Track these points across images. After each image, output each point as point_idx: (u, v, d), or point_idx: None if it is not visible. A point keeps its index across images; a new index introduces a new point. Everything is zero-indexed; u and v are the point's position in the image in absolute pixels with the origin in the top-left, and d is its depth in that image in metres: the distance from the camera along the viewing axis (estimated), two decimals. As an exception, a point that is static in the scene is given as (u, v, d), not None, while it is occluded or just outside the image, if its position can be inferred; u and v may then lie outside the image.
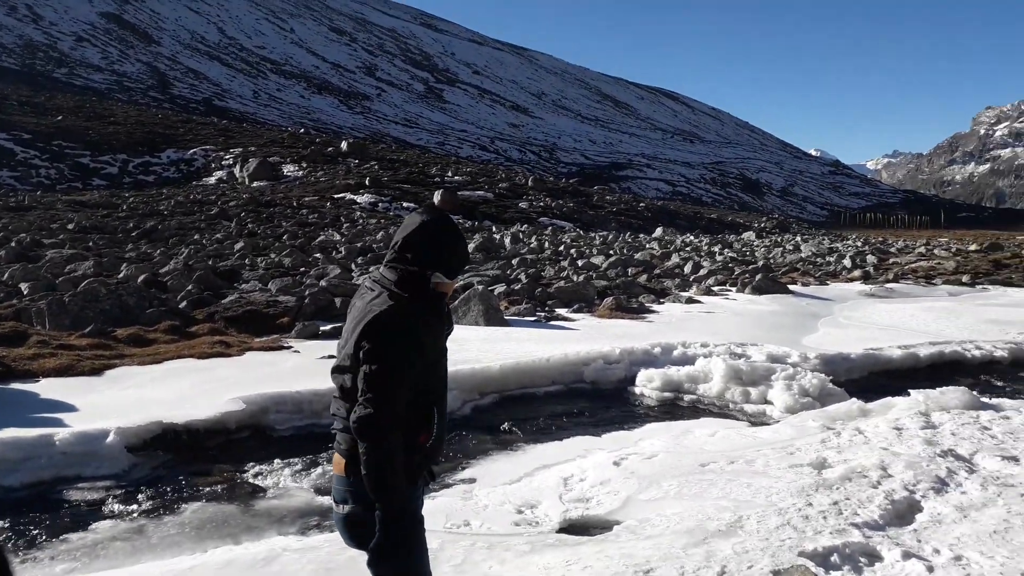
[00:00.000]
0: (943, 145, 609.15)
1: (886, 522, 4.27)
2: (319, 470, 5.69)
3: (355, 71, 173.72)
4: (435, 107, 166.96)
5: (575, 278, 15.45)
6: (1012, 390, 8.20)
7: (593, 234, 32.59)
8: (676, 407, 7.78)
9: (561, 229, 34.58)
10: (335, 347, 8.08)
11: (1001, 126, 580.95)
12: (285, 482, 5.41)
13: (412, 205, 37.69)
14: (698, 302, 13.54)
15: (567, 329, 10.86)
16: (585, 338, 9.93)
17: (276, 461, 5.82)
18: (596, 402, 7.93)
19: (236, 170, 47.67)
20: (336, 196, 37.69)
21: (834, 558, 3.82)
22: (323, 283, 14.56)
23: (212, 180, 47.22)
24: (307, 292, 13.07)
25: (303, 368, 8.01)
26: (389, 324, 2.22)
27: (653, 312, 12.45)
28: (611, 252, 22.02)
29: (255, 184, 43.43)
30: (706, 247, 26.84)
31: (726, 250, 25.66)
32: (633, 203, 56.21)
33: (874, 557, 3.82)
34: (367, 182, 40.72)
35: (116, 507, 4.92)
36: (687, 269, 18.38)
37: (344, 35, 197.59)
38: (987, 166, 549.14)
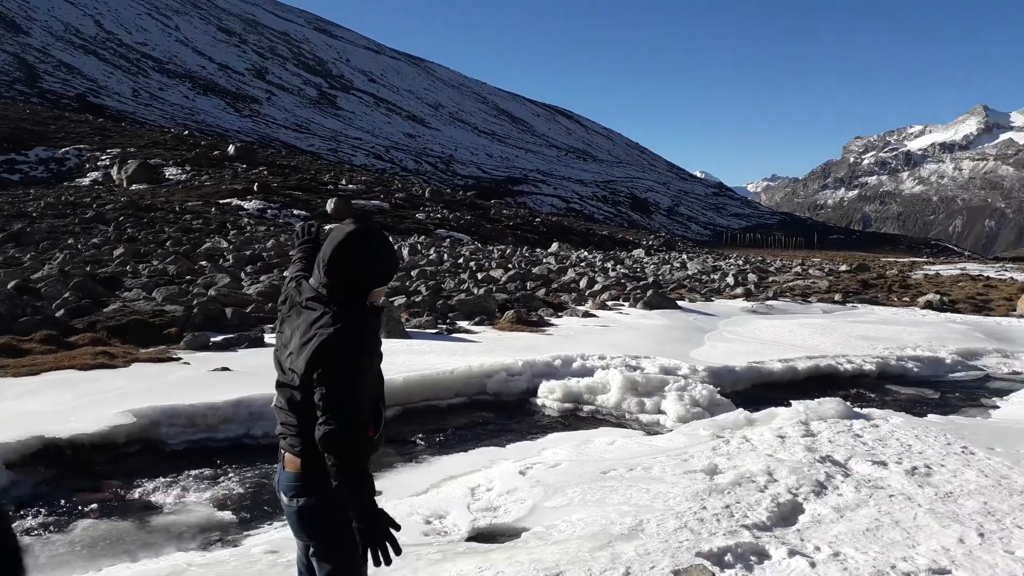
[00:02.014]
0: (817, 171, 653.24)
1: (773, 523, 4.58)
2: (217, 485, 5.52)
3: (244, 73, 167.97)
4: (328, 113, 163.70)
5: (476, 291, 15.59)
6: (880, 401, 8.92)
7: (491, 247, 32.87)
8: (576, 417, 8.01)
9: (459, 242, 34.68)
10: (228, 359, 7.82)
11: (869, 155, 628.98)
12: (182, 497, 5.22)
13: (303, 213, 36.79)
14: (594, 316, 13.95)
15: (469, 342, 10.95)
16: (487, 350, 10.05)
17: (170, 476, 5.61)
18: (500, 413, 8.06)
19: (113, 172, 44.99)
20: (222, 201, 36.30)
21: (728, 557, 4.07)
22: (212, 292, 14.04)
23: (86, 181, 44.40)
24: (195, 301, 12.57)
25: (195, 380, 7.72)
26: (341, 347, 2.27)
27: (552, 325, 12.74)
28: (510, 266, 22.32)
29: (134, 187, 41.15)
30: (600, 263, 27.63)
31: (618, 266, 26.51)
32: (529, 218, 57.07)
33: (763, 556, 4.10)
34: (255, 188, 39.45)
35: (-4, 528, 4.60)
36: (583, 284, 18.88)
37: (233, 36, 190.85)
38: (856, 192, 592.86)
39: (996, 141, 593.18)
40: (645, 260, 32.65)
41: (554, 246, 37.32)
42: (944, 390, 9.67)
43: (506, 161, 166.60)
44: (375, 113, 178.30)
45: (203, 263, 19.08)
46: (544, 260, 26.72)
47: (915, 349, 11.61)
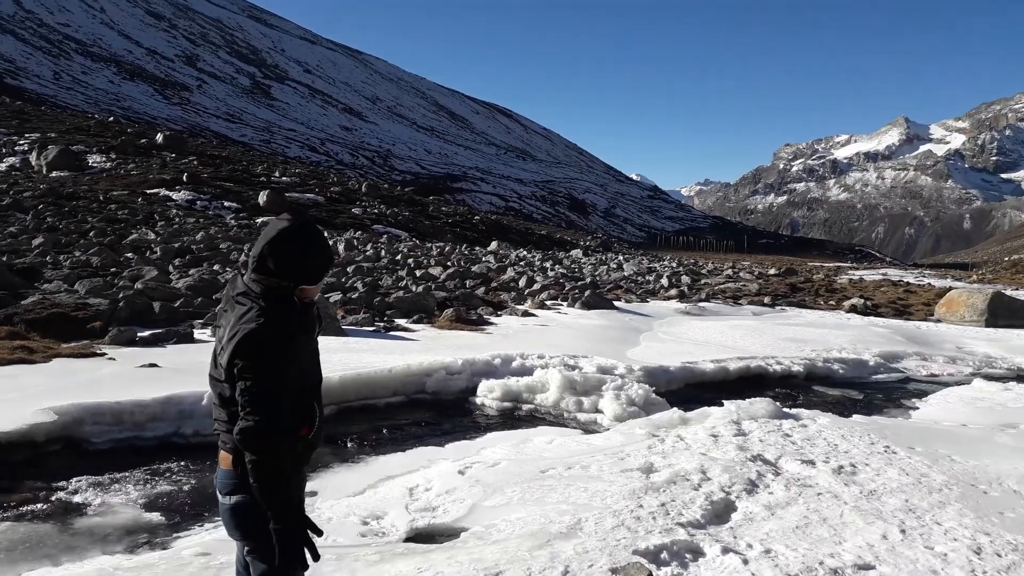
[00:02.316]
0: (748, 176, 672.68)
1: (707, 521, 4.68)
2: (145, 485, 5.33)
3: (173, 59, 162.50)
4: (262, 103, 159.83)
5: (414, 288, 15.45)
6: (807, 401, 9.23)
7: (430, 244, 32.66)
8: (515, 416, 8.03)
9: (397, 238, 34.34)
10: (157, 355, 7.58)
11: (797, 162, 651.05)
12: (107, 499, 5.00)
13: (235, 205, 35.83)
14: (533, 315, 14.02)
15: (408, 340, 10.85)
16: (426, 349, 9.98)
17: (95, 476, 5.38)
18: (438, 412, 8.01)
19: (32, 157, 42.84)
20: (149, 192, 35.02)
21: (664, 555, 4.14)
22: (139, 285, 13.56)
23: (2, 167, 42.10)
24: (121, 295, 12.10)
25: (121, 377, 7.42)
26: (261, 342, 2.25)
27: (492, 324, 12.74)
28: (449, 264, 22.20)
29: (55, 174, 39.28)
30: (539, 262, 27.77)
31: (557, 266, 26.70)
32: (468, 216, 56.96)
33: (698, 553, 4.18)
34: (185, 178, 38.21)
35: (-99, 532, 4.33)
36: (522, 283, 18.94)
37: (162, 20, 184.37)
38: (784, 198, 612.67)
39: (916, 152, 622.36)
40: (583, 261, 32.97)
41: (493, 244, 37.34)
42: (868, 391, 10.07)
43: (445, 158, 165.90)
44: (310, 105, 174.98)
45: (129, 255, 18.37)
46: (483, 259, 26.70)
47: (840, 351, 12.05)
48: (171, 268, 16.89)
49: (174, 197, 34.81)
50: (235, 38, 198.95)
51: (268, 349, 2.25)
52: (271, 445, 2.22)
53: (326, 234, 2.46)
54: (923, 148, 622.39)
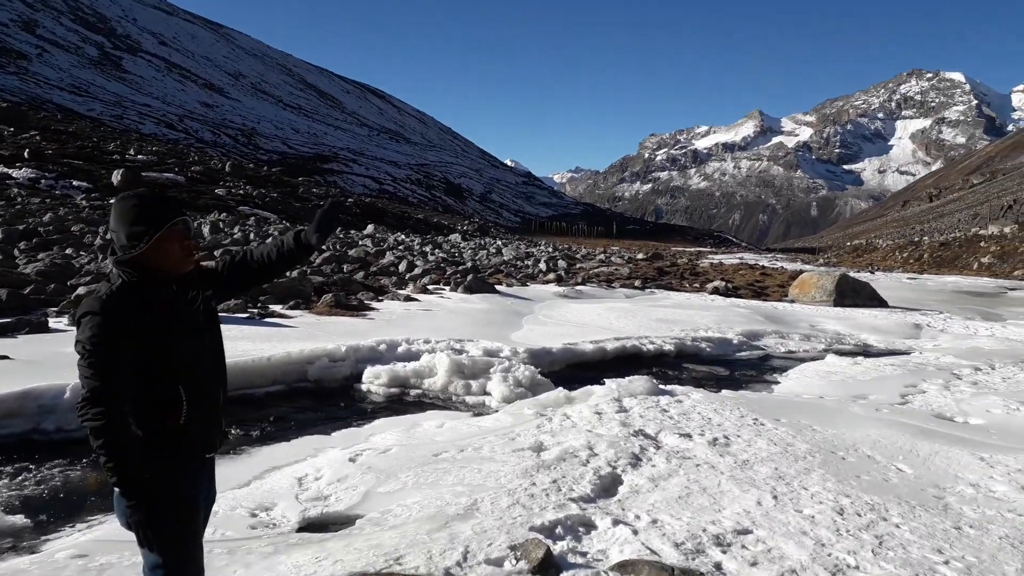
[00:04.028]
0: (616, 165, 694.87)
1: (596, 495, 4.86)
2: (5, 485, 4.90)
3: (8, 24, 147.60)
4: (112, 76, 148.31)
5: (288, 273, 14.93)
6: (680, 378, 9.71)
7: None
8: (403, 402, 7.98)
9: (266, 220, 33.00)
10: (7, 346, 6.98)
11: (662, 151, 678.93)
12: (-44, 503, 4.57)
13: (84, 184, 33.23)
14: (416, 300, 13.92)
15: (285, 326, 10.51)
16: (306, 336, 9.70)
17: (-60, 480, 4.89)
18: (322, 401, 7.83)
19: None
20: (-15, 168, 31.89)
21: (559, 530, 4.26)
22: (-20, 271, 12.34)
23: None
24: (-41, 281, 11.00)
25: (-34, 371, 6.76)
26: (88, 314, 2.24)
27: (374, 309, 12.54)
28: (324, 248, 21.59)
29: None
30: (418, 247, 27.55)
31: (437, 251, 26.60)
32: (342, 198, 55.55)
33: (590, 526, 4.34)
34: (26, 155, 35.03)
35: None
36: (402, 268, 18.74)
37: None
38: (649, 186, 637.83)
39: (769, 143, 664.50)
40: (462, 245, 33.03)
41: (370, 228, 36.67)
42: (733, 368, 10.73)
43: (314, 137, 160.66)
44: (167, 79, 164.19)
45: (-36, 238, 16.66)
46: (360, 242, 26.18)
47: (707, 331, 12.75)
48: (16, 252, 15.49)
49: (14, 175, 31.82)
50: (80, 5, 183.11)
51: (93, 321, 2.21)
52: (95, 416, 2.18)
53: (163, 199, 2.34)
54: (775, 140, 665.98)
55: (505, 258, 26.79)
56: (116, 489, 2.27)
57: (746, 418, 6.76)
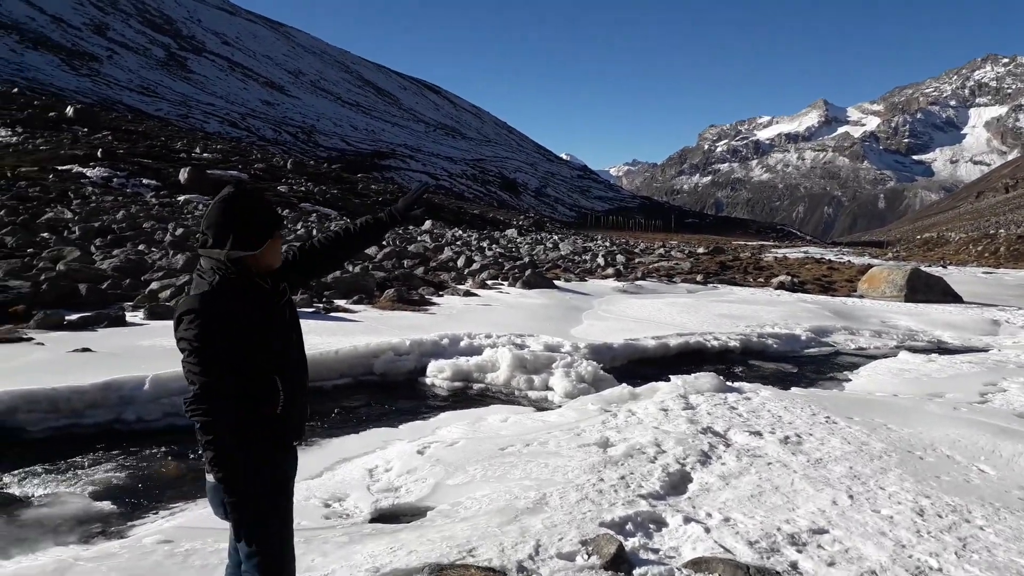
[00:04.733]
0: (674, 157, 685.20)
1: (666, 492, 4.81)
2: (91, 473, 5.12)
3: (81, 28, 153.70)
4: (178, 76, 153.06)
5: (352, 268, 15.20)
6: (746, 375, 9.54)
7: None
8: (467, 395, 8.04)
9: (327, 217, 33.65)
10: (88, 339, 7.27)
11: (722, 143, 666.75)
12: (52, 488, 4.79)
13: (154, 182, 34.44)
14: (475, 295, 14.01)
15: (350, 321, 10.69)
16: (370, 330, 9.85)
17: (36, 465, 5.14)
18: (388, 394, 7.95)
19: (-69, 130, 40.16)
20: (61, 168, 33.30)
21: (629, 526, 4.23)
22: (61, 267, 12.92)
23: None
24: (43, 276, 11.53)
25: (53, 362, 7.08)
26: (189, 312, 2.28)
27: (434, 304, 12.67)
28: (384, 243, 21.93)
29: (-43, 149, 36.93)
30: (475, 242, 27.71)
31: (494, 246, 26.71)
32: (399, 194, 56.26)
33: (661, 523, 4.30)
34: (99, 154, 36.45)
35: None
36: (460, 263, 18.88)
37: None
38: (709, 178, 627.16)
39: (834, 134, 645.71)
40: (519, 240, 33.09)
41: (427, 224, 37.03)
42: (801, 364, 10.48)
43: (372, 134, 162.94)
44: (230, 78, 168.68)
45: (45, 235, 17.44)
46: (419, 238, 26.47)
47: (773, 327, 12.49)
48: (93, 248, 16.14)
49: (88, 174, 33.20)
50: (147, 7, 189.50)
51: (196, 320, 2.26)
52: (206, 413, 2.23)
53: (263, 199, 2.44)
54: (841, 130, 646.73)
55: (562, 253, 26.73)
56: (213, 480, 2.32)
57: (818, 416, 6.59)
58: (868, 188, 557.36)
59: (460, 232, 34.85)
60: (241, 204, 2.39)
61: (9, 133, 41.95)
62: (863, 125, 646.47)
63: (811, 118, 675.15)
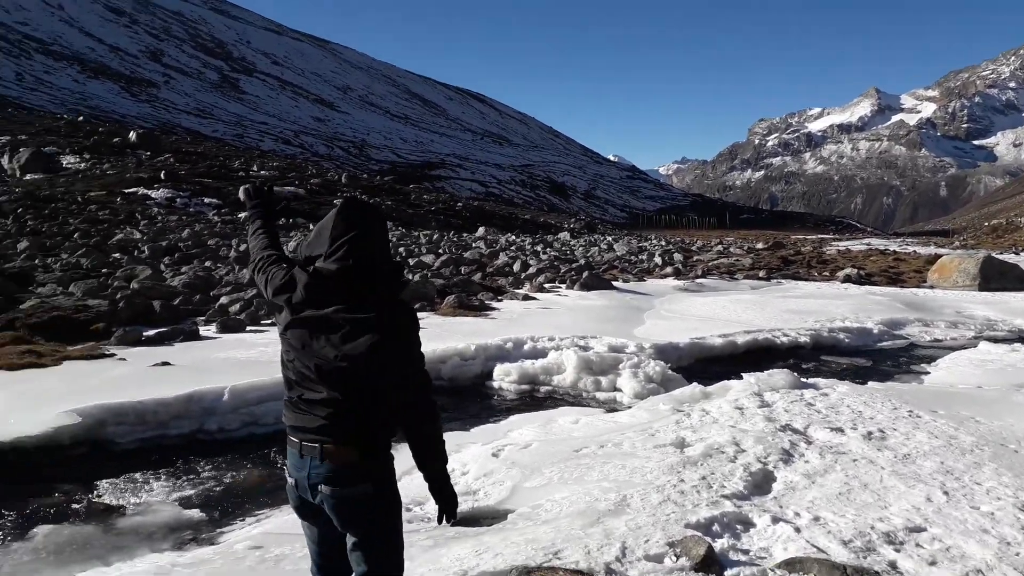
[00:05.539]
0: (724, 153, 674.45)
1: (750, 492, 4.70)
2: (178, 483, 5.27)
3: (138, 55, 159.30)
4: (231, 97, 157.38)
5: (411, 277, 15.36)
6: (819, 370, 9.30)
7: (416, 233, 32.49)
8: (534, 398, 8.04)
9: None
10: (167, 353, 7.44)
11: (772, 137, 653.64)
12: (143, 498, 4.95)
13: (215, 201, 35.44)
14: (534, 299, 14.00)
15: (413, 328, 10.78)
16: (435, 336, 9.91)
17: (126, 476, 5.32)
18: (457, 398, 7.99)
19: (4, 161, 42.09)
20: (128, 191, 34.52)
21: (715, 527, 4.14)
22: (135, 285, 13.38)
23: (-27, 172, 41.37)
24: (119, 295, 11.94)
25: (136, 377, 7.33)
26: (415, 319, 2.42)
27: (495, 309, 12.70)
28: (440, 251, 22.10)
29: (29, 177, 38.61)
30: (529, 246, 27.72)
31: (548, 249, 26.66)
32: (451, 202, 56.73)
33: (748, 524, 4.20)
34: (163, 176, 37.69)
35: (-55, 539, 4.25)
36: (517, 267, 18.90)
37: (123, 16, 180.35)
38: (762, 172, 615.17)
39: (889, 122, 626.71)
40: (572, 243, 32.97)
41: (481, 230, 37.23)
42: (875, 359, 10.17)
43: (421, 145, 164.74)
44: (281, 97, 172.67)
45: (117, 255, 18.12)
46: (474, 244, 26.61)
47: (844, 321, 12.15)
48: (163, 266, 16.69)
49: (153, 195, 34.35)
50: (199, 31, 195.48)
51: (416, 334, 2.40)
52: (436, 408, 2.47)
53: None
54: (895, 118, 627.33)
55: (618, 253, 26.53)
56: (354, 491, 2.31)
57: (900, 410, 6.37)
58: (928, 176, 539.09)
59: (513, 237, 34.93)
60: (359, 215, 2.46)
61: (78, 159, 43.72)
62: (918, 112, 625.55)
63: (863, 107, 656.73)
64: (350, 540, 2.38)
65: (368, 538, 2.37)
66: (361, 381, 2.30)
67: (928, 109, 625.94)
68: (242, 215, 32.14)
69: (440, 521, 2.51)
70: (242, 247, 19.71)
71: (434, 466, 2.51)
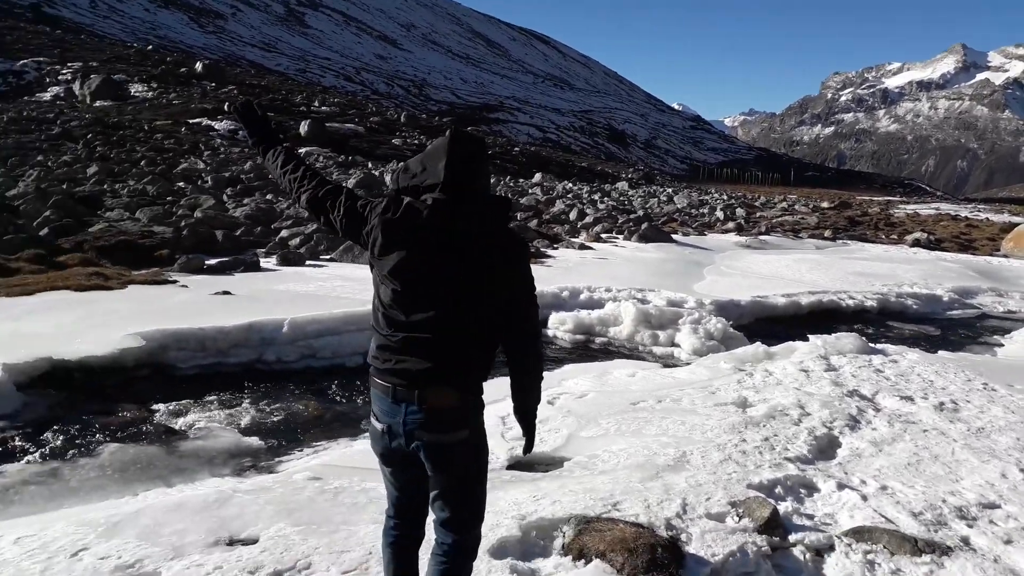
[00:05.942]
0: (794, 106, 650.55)
1: (814, 456, 4.55)
2: (238, 411, 5.36)
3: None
4: (296, 32, 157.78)
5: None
6: (885, 336, 8.97)
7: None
8: (589, 349, 7.95)
9: (439, 169, 34.01)
10: (227, 283, 7.50)
11: (846, 91, 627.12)
12: (204, 423, 5.05)
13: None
14: (591, 248, 13.82)
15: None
16: (490, 281, 9.88)
17: (187, 401, 5.44)
18: (512, 344, 7.94)
19: (76, 87, 43.12)
20: (192, 121, 35.10)
21: (778, 490, 4.02)
22: (198, 214, 13.64)
23: (47, 96, 42.53)
24: (183, 223, 12.19)
25: (197, 304, 7.46)
26: (524, 246, 2.36)
27: (550, 257, 12.58)
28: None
29: (98, 103, 39.54)
30: (587, 195, 27.35)
31: (606, 199, 26.28)
32: (508, 147, 56.26)
33: (812, 488, 4.06)
34: (226, 108, 38.15)
35: (19, 450, 4.41)
36: (573, 216, 18.66)
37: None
38: (832, 129, 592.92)
39: (973, 81, 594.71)
40: (631, 193, 32.44)
41: (537, 176, 36.86)
42: (944, 327, 9.77)
43: (481, 87, 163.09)
44: (345, 32, 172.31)
45: (181, 184, 18.47)
46: (530, 191, 26.36)
47: (912, 286, 11.69)
48: (225, 197, 16.95)
49: (216, 127, 34.83)
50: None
51: (529, 263, 2.37)
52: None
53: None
54: (980, 76, 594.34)
55: (678, 206, 25.98)
56: (456, 437, 2.21)
57: (974, 382, 6.10)
58: (1009, 140, 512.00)
59: (570, 185, 34.50)
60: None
61: (145, 88, 44.54)
62: (1006, 71, 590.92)
63: (946, 64, 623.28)
64: (438, 485, 2.29)
65: (459, 484, 2.30)
66: (484, 311, 2.19)
67: (1017, 68, 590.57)
68: (303, 150, 32.37)
69: (525, 453, 2.56)
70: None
71: (531, 402, 2.45)
